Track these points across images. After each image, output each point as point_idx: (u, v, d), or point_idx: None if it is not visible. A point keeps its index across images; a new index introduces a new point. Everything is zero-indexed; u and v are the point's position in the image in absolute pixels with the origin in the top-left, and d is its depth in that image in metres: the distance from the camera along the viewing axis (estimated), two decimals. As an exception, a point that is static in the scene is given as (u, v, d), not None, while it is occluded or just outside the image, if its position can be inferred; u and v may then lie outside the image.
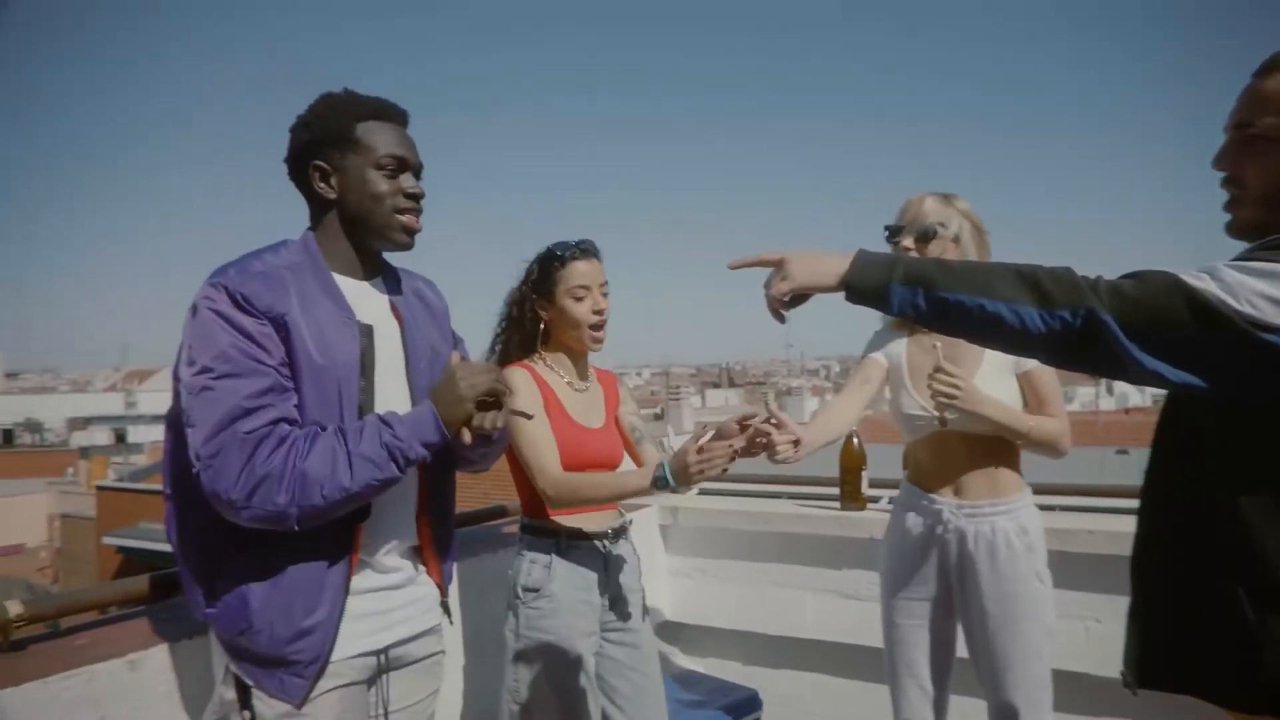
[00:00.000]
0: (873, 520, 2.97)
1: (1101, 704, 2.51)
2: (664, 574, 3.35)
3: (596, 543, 2.08)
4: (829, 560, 3.08)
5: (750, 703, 2.81)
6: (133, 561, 17.22)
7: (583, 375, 2.19)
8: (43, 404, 40.97)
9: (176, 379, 1.42)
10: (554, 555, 2.03)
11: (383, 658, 1.56)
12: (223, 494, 1.34)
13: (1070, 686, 2.37)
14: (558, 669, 1.99)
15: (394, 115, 1.58)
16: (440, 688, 1.70)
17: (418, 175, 1.59)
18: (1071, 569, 2.44)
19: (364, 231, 1.55)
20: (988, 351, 2.01)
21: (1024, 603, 1.98)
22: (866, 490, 3.11)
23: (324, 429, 1.42)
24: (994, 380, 2.02)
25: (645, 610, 2.21)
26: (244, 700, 1.43)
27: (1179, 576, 1.28)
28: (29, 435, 36.94)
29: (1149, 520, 1.36)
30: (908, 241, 2.01)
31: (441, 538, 1.68)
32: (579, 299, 2.05)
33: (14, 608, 1.55)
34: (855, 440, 3.12)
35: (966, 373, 1.98)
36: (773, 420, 1.83)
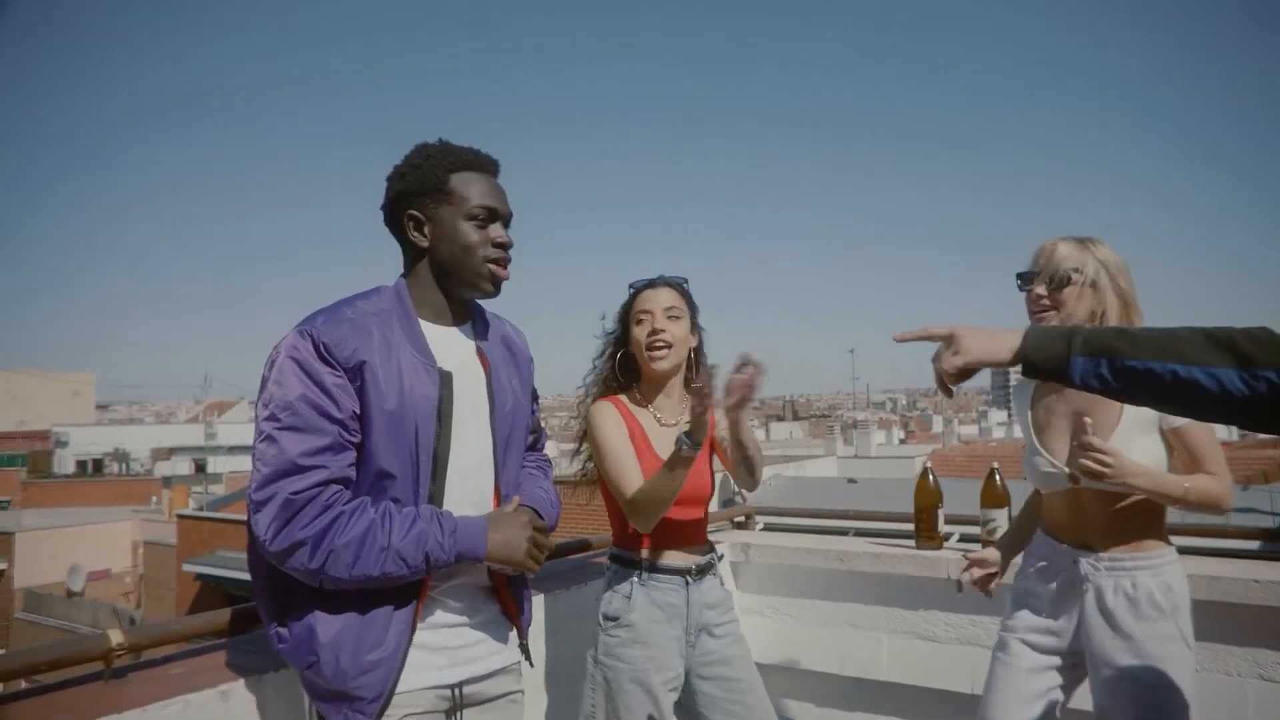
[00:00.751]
0: (950, 559, 2.89)
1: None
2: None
3: (680, 577, 2.10)
4: (905, 600, 3.01)
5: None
6: (210, 588, 17.71)
7: (674, 410, 2.21)
8: (129, 434, 42.64)
9: (256, 416, 1.47)
10: (635, 585, 2.08)
11: (457, 693, 1.57)
12: (261, 541, 1.39)
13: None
14: (631, 697, 2.02)
15: (486, 166, 1.62)
16: None
17: (506, 224, 1.63)
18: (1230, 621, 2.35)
19: (454, 280, 1.60)
20: (1128, 407, 1.87)
21: (1167, 665, 1.82)
22: (942, 528, 3.04)
23: (376, 503, 1.45)
24: (1137, 438, 1.87)
25: (742, 647, 2.18)
26: None
27: None
28: (116, 465, 38.41)
29: None
30: (1040, 288, 1.94)
31: (518, 579, 1.69)
32: (639, 323, 2.14)
33: (115, 637, 1.61)
34: (930, 477, 3.04)
35: (1105, 431, 1.86)
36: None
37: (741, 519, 3.64)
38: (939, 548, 3.01)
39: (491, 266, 1.59)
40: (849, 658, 3.06)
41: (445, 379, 1.54)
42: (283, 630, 1.48)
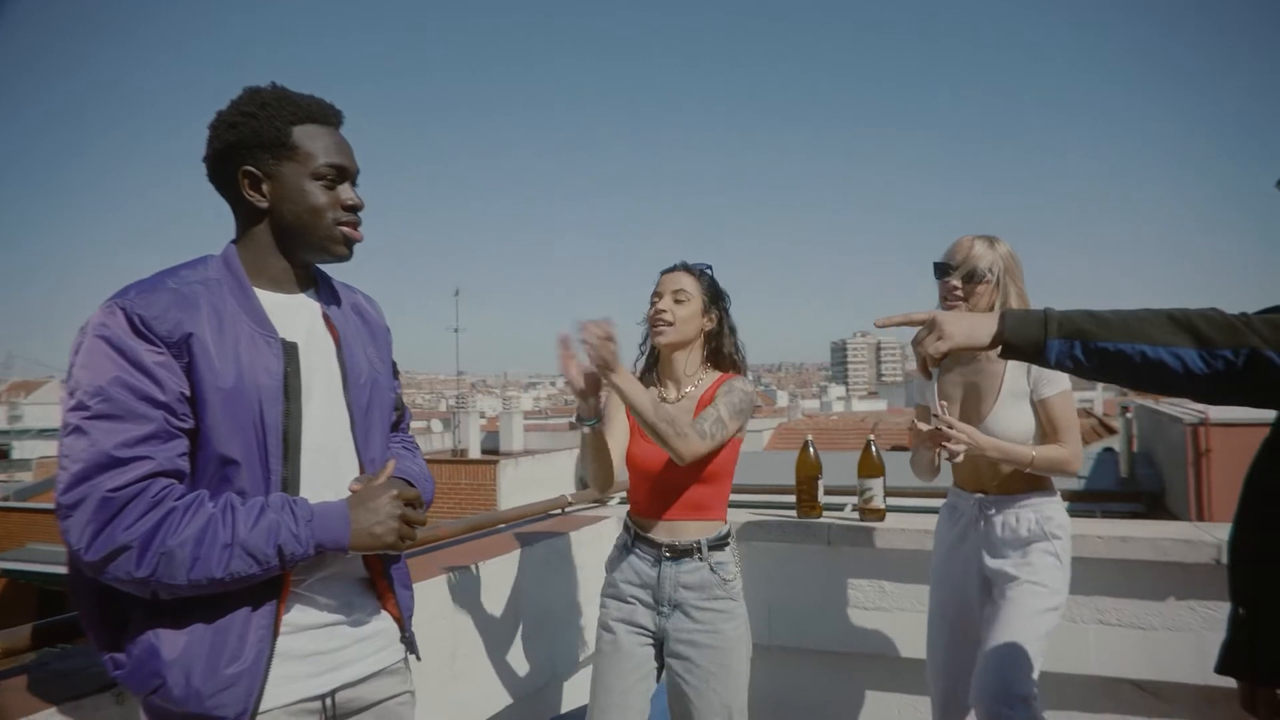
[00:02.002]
0: (830, 527, 3.04)
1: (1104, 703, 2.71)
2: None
3: (655, 550, 2.21)
4: (787, 567, 3.13)
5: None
6: (20, 585, 16.24)
7: (681, 384, 2.31)
8: (-85, 418, 38.13)
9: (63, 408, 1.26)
10: (624, 549, 2.28)
11: (329, 703, 1.40)
12: (77, 551, 1.19)
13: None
14: (603, 640, 2.26)
15: (331, 117, 1.46)
16: None
17: (355, 182, 1.48)
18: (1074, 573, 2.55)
19: (299, 244, 1.44)
20: (1005, 382, 2.22)
21: (1041, 575, 2.15)
22: (822, 498, 3.18)
23: (217, 496, 1.28)
24: (1010, 406, 2.23)
25: (719, 637, 2.16)
26: None
27: None
28: (-101, 452, 34.30)
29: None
30: (956, 281, 2.23)
31: (396, 566, 1.55)
32: (652, 303, 2.29)
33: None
34: (811, 450, 3.18)
35: (988, 398, 2.25)
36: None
37: (624, 495, 3.69)
38: (819, 516, 3.15)
39: (344, 229, 1.44)
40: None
41: (289, 350, 1.38)
42: (118, 654, 1.27)
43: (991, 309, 2.19)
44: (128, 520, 1.19)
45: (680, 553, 2.18)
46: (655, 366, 2.38)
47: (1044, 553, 2.19)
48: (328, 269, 1.57)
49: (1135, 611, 2.67)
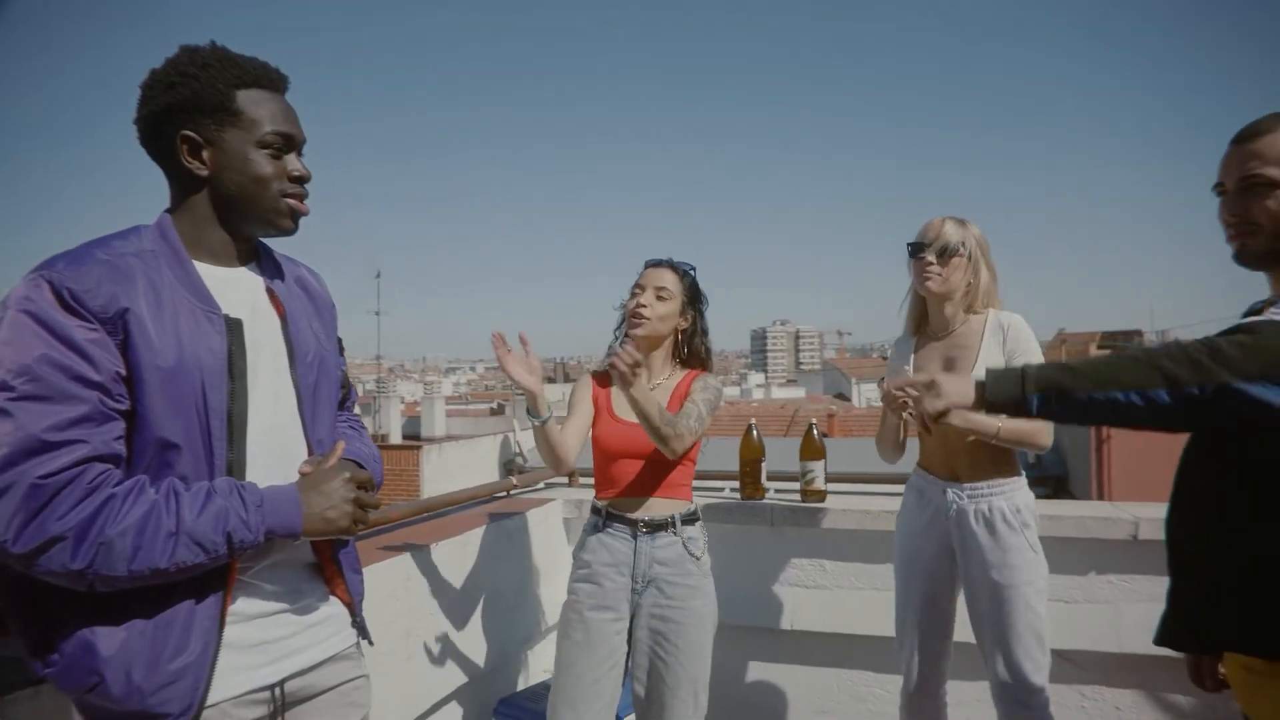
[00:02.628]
0: (773, 508, 3.13)
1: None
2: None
3: (629, 527, 2.25)
4: (731, 547, 3.19)
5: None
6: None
7: (652, 376, 2.36)
8: None
9: None
10: (594, 530, 2.31)
11: (278, 692, 1.35)
12: (1, 544, 1.11)
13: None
14: (571, 625, 2.25)
15: (277, 82, 1.38)
16: (368, 714, 1.52)
17: (301, 152, 1.41)
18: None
19: (242, 216, 1.36)
20: (981, 354, 2.26)
21: (1019, 568, 2.20)
22: (765, 481, 3.27)
23: (158, 483, 1.21)
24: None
25: (688, 614, 2.22)
26: None
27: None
28: None
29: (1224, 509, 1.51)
30: (930, 256, 2.29)
31: (345, 551, 1.50)
32: (633, 295, 2.35)
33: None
34: (754, 434, 3.26)
35: (965, 374, 2.16)
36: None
37: (565, 479, 3.73)
38: (762, 497, 3.24)
39: (290, 201, 1.37)
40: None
41: (233, 327, 1.31)
42: (49, 652, 1.19)
43: (967, 286, 2.31)
44: (61, 509, 1.11)
45: (655, 527, 2.24)
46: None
47: (1021, 548, 2.22)
48: (269, 241, 1.50)
49: (1059, 586, 2.82)
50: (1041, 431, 2.19)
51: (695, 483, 3.58)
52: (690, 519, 2.30)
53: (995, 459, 2.26)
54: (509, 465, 5.40)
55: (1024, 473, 2.32)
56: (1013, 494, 2.26)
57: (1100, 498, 9.17)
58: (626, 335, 2.37)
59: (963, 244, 2.28)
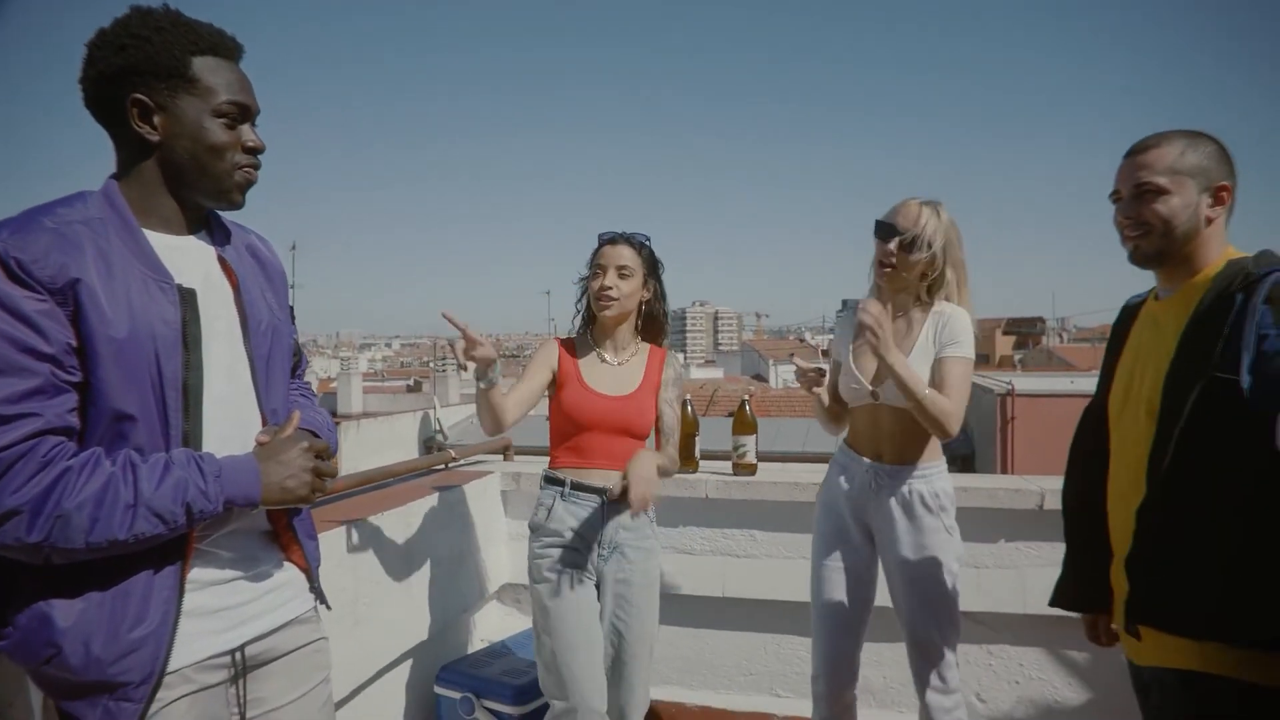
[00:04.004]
0: (706, 481, 3.24)
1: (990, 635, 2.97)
2: (504, 537, 3.44)
3: (597, 495, 2.31)
4: (665, 519, 3.31)
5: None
6: None
7: (620, 350, 2.43)
8: None
9: None
10: (556, 500, 2.33)
11: (238, 656, 1.38)
12: None
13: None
14: (561, 583, 2.27)
15: (232, 50, 1.35)
16: (329, 675, 1.56)
17: (255, 123, 1.38)
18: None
19: (193, 185, 1.33)
20: (919, 338, 2.27)
21: (936, 550, 2.26)
22: (697, 455, 3.38)
23: (113, 455, 1.21)
24: (920, 362, 2.25)
25: (646, 575, 2.34)
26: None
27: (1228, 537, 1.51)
28: None
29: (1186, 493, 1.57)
30: (893, 245, 2.24)
31: (299, 518, 1.52)
32: (595, 275, 2.38)
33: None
34: (689, 409, 3.36)
35: (903, 351, 2.25)
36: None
37: (501, 452, 3.79)
38: (695, 471, 3.35)
39: (244, 172, 1.35)
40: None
41: (187, 297, 1.29)
42: (3, 626, 1.20)
43: (923, 278, 2.27)
44: (15, 483, 1.11)
45: (621, 497, 2.28)
46: (591, 327, 2.47)
47: (936, 530, 2.27)
48: None
49: (971, 553, 3.01)
50: (953, 416, 2.17)
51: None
52: None
53: (920, 442, 2.30)
54: (429, 443, 5.42)
55: (944, 459, 2.37)
56: (933, 478, 2.30)
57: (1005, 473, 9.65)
58: (593, 318, 2.42)
59: (929, 241, 2.22)
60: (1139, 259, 1.69)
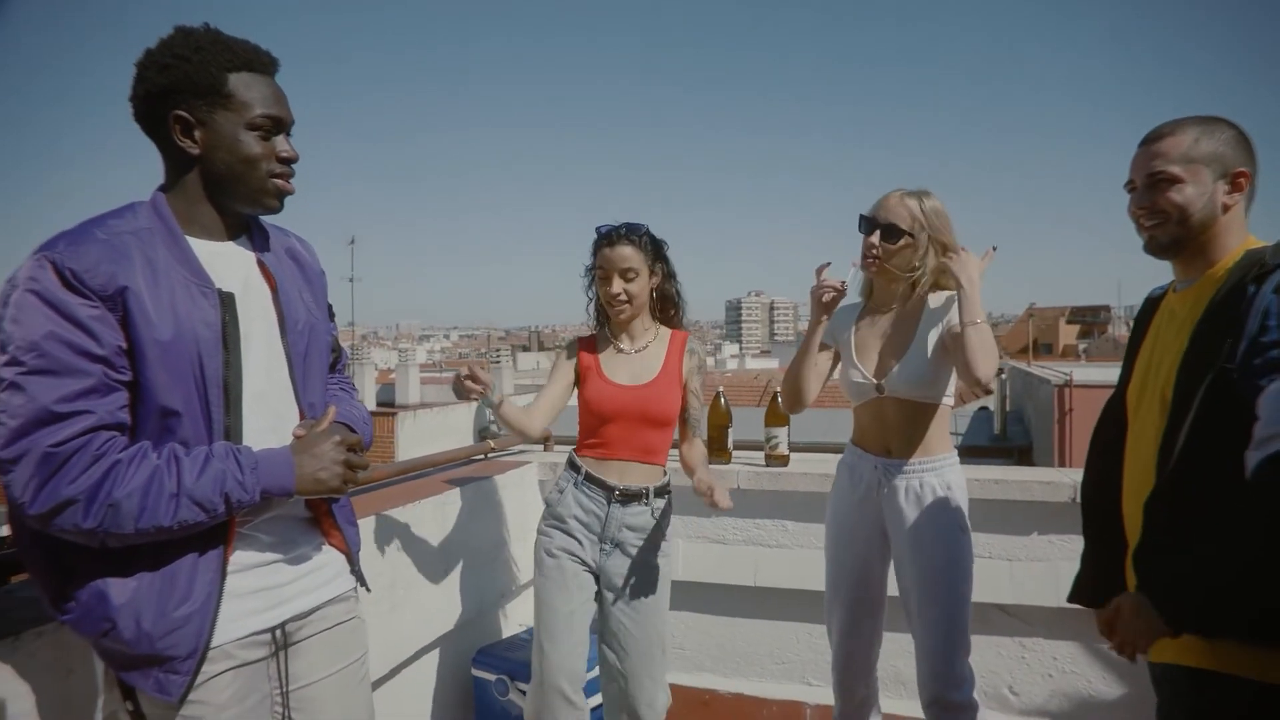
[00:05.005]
0: (739, 471, 3.28)
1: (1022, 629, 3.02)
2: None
3: (606, 492, 2.35)
4: (698, 508, 3.36)
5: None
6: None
7: (638, 337, 2.45)
8: None
9: None
10: (570, 485, 2.39)
11: (278, 634, 1.48)
12: (20, 505, 1.22)
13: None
14: (547, 566, 2.37)
15: (267, 65, 1.44)
16: (366, 653, 1.65)
17: (289, 133, 1.47)
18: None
19: (231, 194, 1.43)
20: (919, 330, 2.27)
21: (948, 546, 2.23)
22: (731, 446, 3.42)
23: (160, 448, 1.31)
24: (921, 356, 2.24)
25: (653, 575, 2.38)
26: (128, 696, 1.36)
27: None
28: None
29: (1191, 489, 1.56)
30: (874, 239, 2.25)
31: (339, 505, 1.61)
32: (602, 279, 2.37)
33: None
34: (722, 400, 3.41)
35: (900, 349, 2.27)
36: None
37: (542, 443, 3.86)
38: (728, 461, 3.39)
39: (277, 182, 1.45)
40: (649, 562, 3.37)
41: (226, 301, 1.39)
42: (66, 601, 1.31)
43: (912, 268, 2.27)
44: (71, 474, 1.21)
45: (630, 497, 2.35)
46: (608, 323, 2.49)
47: (950, 527, 2.23)
48: None
49: (1004, 545, 3.01)
50: (992, 365, 2.13)
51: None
52: (662, 491, 2.42)
53: (928, 436, 2.28)
54: (484, 432, 5.51)
55: (955, 450, 2.35)
56: (944, 470, 2.27)
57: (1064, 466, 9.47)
58: (607, 315, 2.45)
59: (911, 229, 2.23)
60: (1154, 248, 1.68)
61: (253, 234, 1.53)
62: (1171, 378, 1.59)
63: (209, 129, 1.38)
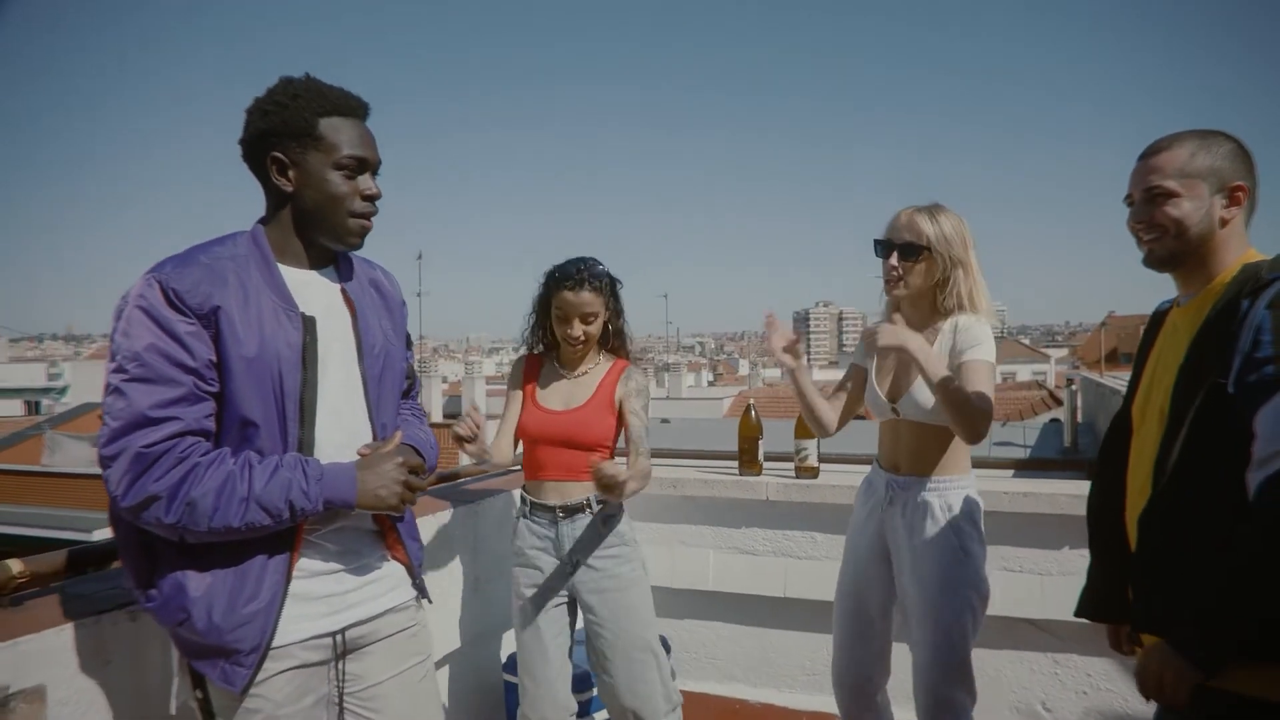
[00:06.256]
0: (768, 484, 3.32)
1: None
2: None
3: (550, 513, 2.41)
4: (729, 520, 3.42)
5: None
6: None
7: (575, 365, 2.49)
8: None
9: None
10: (522, 519, 2.47)
11: (339, 639, 1.57)
12: (115, 497, 1.36)
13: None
14: (517, 610, 2.45)
15: (356, 110, 1.57)
16: (429, 656, 1.74)
17: (376, 172, 1.60)
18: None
19: (317, 229, 1.56)
20: (943, 350, 2.20)
21: (948, 565, 2.16)
22: (762, 458, 3.46)
23: (238, 455, 1.43)
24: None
25: (619, 581, 2.40)
26: (199, 685, 1.48)
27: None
28: None
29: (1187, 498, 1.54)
30: (893, 260, 2.21)
31: (403, 521, 1.70)
32: (559, 318, 2.41)
33: (15, 566, 1.65)
34: (753, 413, 3.45)
35: (914, 374, 2.19)
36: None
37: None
38: (759, 474, 3.43)
39: (359, 221, 1.57)
40: (680, 571, 3.44)
41: (308, 324, 1.52)
42: (150, 590, 1.45)
43: (935, 284, 2.22)
44: (157, 473, 1.35)
45: (572, 510, 2.39)
46: (554, 349, 2.53)
47: (950, 549, 2.16)
48: None
49: (1035, 559, 2.99)
50: (979, 417, 2.02)
51: (719, 463, 3.74)
52: (604, 501, 2.41)
53: (936, 454, 2.22)
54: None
55: (970, 472, 2.27)
56: (948, 492, 2.20)
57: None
58: (554, 341, 2.49)
59: (927, 246, 2.18)
60: (1153, 262, 1.68)
61: (339, 264, 1.67)
62: (1170, 390, 1.59)
63: (301, 169, 1.53)
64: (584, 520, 2.41)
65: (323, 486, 1.46)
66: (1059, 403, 18.75)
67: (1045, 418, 17.52)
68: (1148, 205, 1.65)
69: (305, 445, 1.51)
